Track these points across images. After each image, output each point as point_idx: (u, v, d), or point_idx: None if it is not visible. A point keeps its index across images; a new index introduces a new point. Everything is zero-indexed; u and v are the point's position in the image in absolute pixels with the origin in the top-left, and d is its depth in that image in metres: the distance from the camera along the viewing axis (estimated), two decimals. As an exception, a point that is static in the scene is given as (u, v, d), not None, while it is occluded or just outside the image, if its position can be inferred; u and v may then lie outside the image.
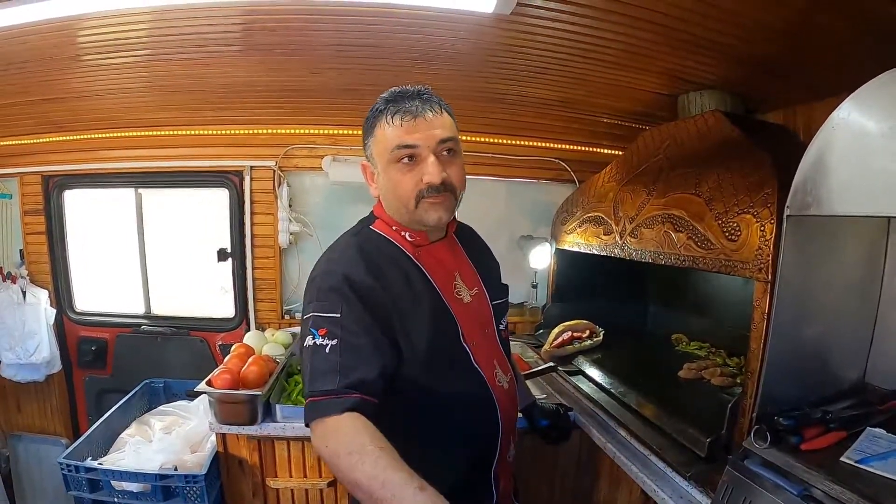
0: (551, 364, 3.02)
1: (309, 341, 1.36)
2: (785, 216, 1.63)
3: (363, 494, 1.18)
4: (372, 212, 1.68)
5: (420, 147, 1.48)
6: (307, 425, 1.31)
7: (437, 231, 1.65)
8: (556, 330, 3.15)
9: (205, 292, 4.06)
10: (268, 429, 2.55)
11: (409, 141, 1.48)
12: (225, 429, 2.57)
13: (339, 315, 1.37)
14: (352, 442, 1.23)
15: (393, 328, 1.45)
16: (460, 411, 1.56)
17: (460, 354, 1.58)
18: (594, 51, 2.26)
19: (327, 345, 1.34)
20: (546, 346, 3.12)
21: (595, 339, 3.10)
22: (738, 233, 1.82)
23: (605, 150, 3.78)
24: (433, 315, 1.53)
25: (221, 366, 2.74)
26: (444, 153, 1.52)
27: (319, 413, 1.28)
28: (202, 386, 2.56)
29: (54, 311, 3.86)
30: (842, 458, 1.47)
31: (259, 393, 2.51)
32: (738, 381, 2.37)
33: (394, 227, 1.61)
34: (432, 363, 1.50)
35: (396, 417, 1.41)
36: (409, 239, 1.60)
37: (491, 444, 1.64)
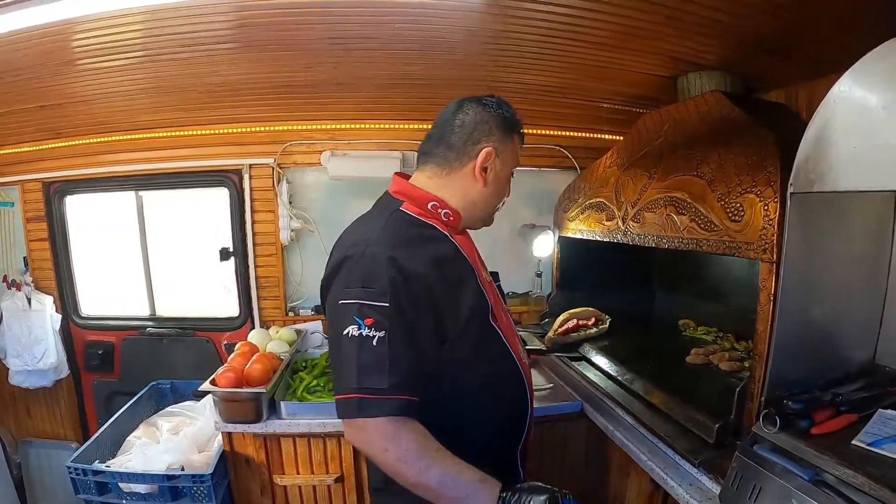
0: (543, 348, 3.02)
1: (353, 331, 1.32)
2: (788, 194, 1.60)
3: (432, 495, 1.33)
4: (390, 195, 1.65)
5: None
6: (344, 418, 1.33)
7: None
8: (561, 318, 3.12)
9: (209, 292, 4.06)
10: (273, 426, 2.56)
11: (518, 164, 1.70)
12: (231, 427, 2.58)
13: (387, 304, 1.33)
14: (419, 449, 1.32)
15: (439, 308, 1.43)
16: (496, 388, 1.57)
17: (492, 332, 1.59)
18: (590, 34, 2.22)
19: (374, 336, 1.31)
20: (550, 334, 3.10)
21: (601, 327, 3.08)
22: (742, 213, 1.79)
23: (606, 136, 3.74)
24: (473, 293, 1.53)
25: (225, 364, 2.75)
26: None
27: (367, 412, 1.30)
28: (206, 385, 2.57)
29: (60, 316, 3.85)
30: (853, 442, 1.44)
31: (263, 390, 2.51)
32: (747, 365, 2.35)
33: (430, 205, 1.59)
34: (472, 341, 1.51)
35: (434, 400, 1.43)
36: (444, 218, 1.60)
37: (521, 421, 1.67)
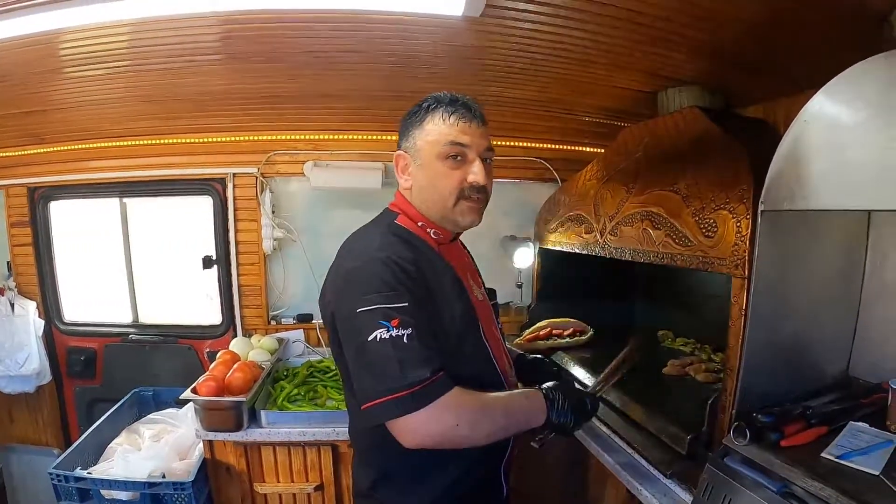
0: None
1: (383, 334, 1.35)
2: (759, 211, 1.62)
3: (503, 433, 1.53)
4: (388, 209, 1.73)
5: (470, 148, 1.59)
6: (395, 417, 1.35)
7: (454, 232, 1.72)
8: (537, 325, 3.17)
9: (191, 300, 4.05)
10: (254, 434, 2.59)
11: (462, 140, 1.57)
12: (211, 435, 2.61)
13: (406, 304, 1.39)
14: (477, 405, 1.45)
15: (435, 319, 1.50)
16: None
17: (481, 349, 1.65)
18: (569, 49, 2.24)
19: (404, 334, 1.36)
20: (518, 340, 3.17)
21: (577, 338, 3.09)
22: (715, 229, 1.82)
23: (588, 149, 3.78)
24: (462, 309, 1.59)
25: (207, 373, 2.76)
26: (486, 161, 1.64)
27: (423, 401, 1.34)
28: (188, 393, 2.60)
29: (43, 322, 3.84)
30: (822, 454, 1.47)
31: (244, 399, 2.54)
32: (722, 376, 2.37)
33: (419, 224, 1.65)
34: (460, 355, 1.55)
35: None
36: (433, 236, 1.66)
37: (505, 438, 1.67)
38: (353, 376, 1.44)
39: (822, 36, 1.95)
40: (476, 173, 1.58)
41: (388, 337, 1.35)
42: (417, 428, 1.36)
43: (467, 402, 1.43)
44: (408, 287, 1.43)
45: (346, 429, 2.54)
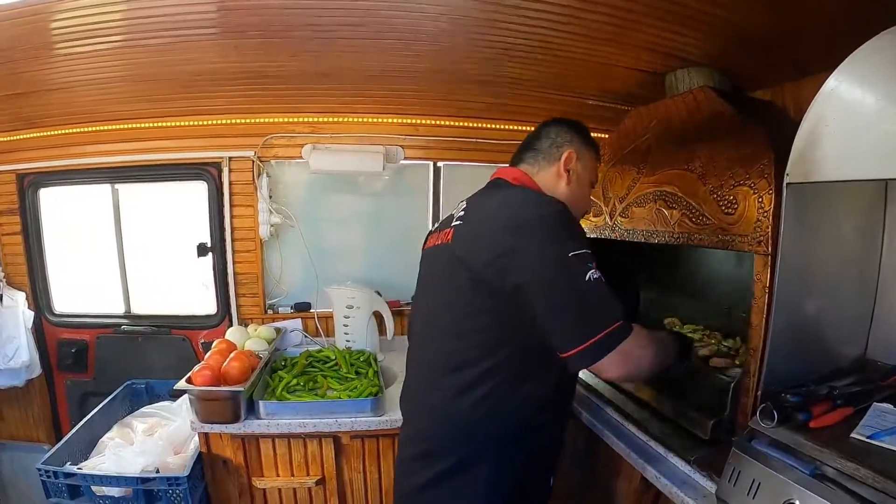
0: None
1: (594, 275, 1.47)
2: (785, 184, 1.58)
3: (666, 360, 1.73)
4: (512, 181, 1.86)
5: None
6: (611, 350, 1.45)
7: None
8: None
9: (186, 289, 3.98)
10: (252, 426, 2.51)
11: (597, 178, 2.05)
12: (207, 428, 2.54)
13: (590, 251, 1.52)
14: (649, 333, 1.65)
15: None
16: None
17: None
18: (578, 25, 2.18)
19: (600, 276, 1.48)
20: None
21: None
22: (735, 206, 1.78)
23: (593, 133, 3.66)
24: None
25: (202, 362, 2.69)
26: None
27: (631, 327, 1.50)
28: (182, 384, 2.52)
29: (32, 313, 3.76)
30: (852, 435, 1.42)
31: (241, 389, 2.47)
32: (737, 362, 2.33)
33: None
34: None
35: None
36: None
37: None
38: (558, 320, 1.48)
39: (838, 16, 1.89)
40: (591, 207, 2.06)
41: (597, 277, 1.47)
42: (630, 351, 1.49)
43: (645, 330, 1.62)
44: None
45: (349, 419, 2.52)
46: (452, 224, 1.74)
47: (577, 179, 1.88)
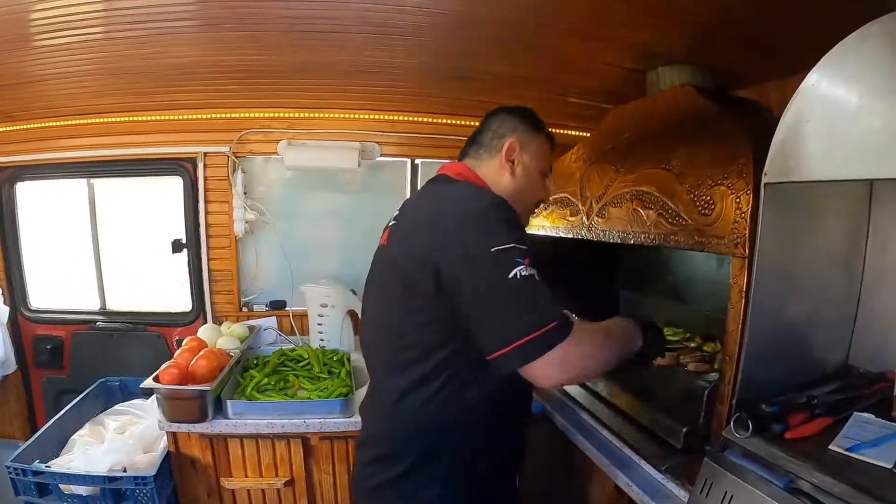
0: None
1: (523, 271, 1.37)
2: (762, 184, 1.53)
3: (620, 355, 1.61)
4: (454, 177, 1.79)
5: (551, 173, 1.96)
6: (546, 351, 1.34)
7: None
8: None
9: (161, 286, 3.95)
10: (219, 426, 2.48)
11: (550, 166, 1.94)
12: (175, 427, 2.50)
13: (527, 247, 1.43)
14: (593, 329, 1.55)
15: None
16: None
17: None
18: (558, 19, 2.14)
19: (535, 273, 1.39)
20: None
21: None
22: (712, 206, 1.72)
23: (573, 132, 3.70)
24: None
25: (170, 360, 2.65)
26: None
27: (569, 329, 1.37)
28: (149, 382, 2.49)
29: (8, 309, 3.71)
30: (830, 447, 1.38)
31: (208, 388, 2.43)
32: (715, 366, 2.29)
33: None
34: None
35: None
36: None
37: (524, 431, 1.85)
38: (482, 319, 1.41)
39: (824, 13, 1.84)
40: (549, 192, 1.95)
41: (527, 274, 1.37)
42: (567, 355, 1.36)
43: (593, 327, 1.55)
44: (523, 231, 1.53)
45: (317, 420, 2.47)
46: (389, 224, 1.71)
47: (524, 169, 1.82)
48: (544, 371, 1.35)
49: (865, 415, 1.53)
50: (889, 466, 1.28)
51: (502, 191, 1.73)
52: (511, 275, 1.35)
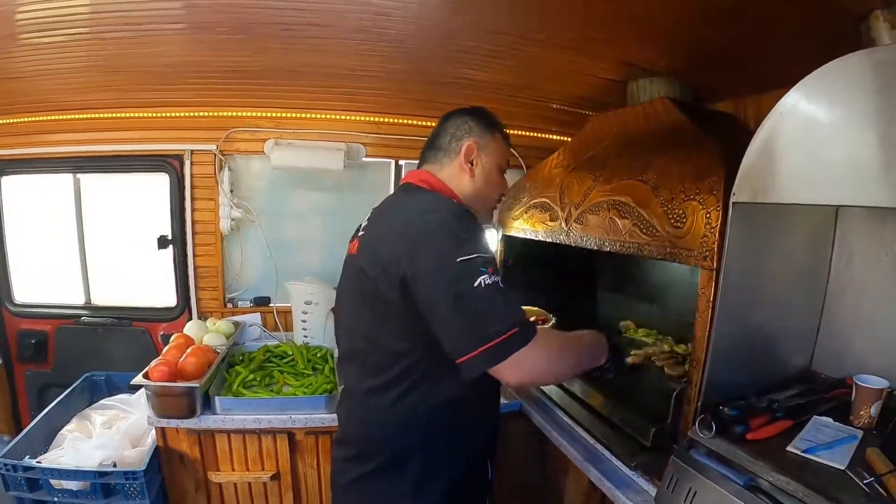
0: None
1: (486, 280, 1.42)
2: (731, 203, 1.62)
3: (588, 362, 1.77)
4: (418, 184, 1.84)
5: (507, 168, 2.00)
6: (508, 356, 1.41)
7: None
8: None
9: (146, 281, 3.93)
10: (207, 421, 2.52)
11: (508, 161, 1.99)
12: (164, 422, 2.53)
13: (490, 255, 1.51)
14: (557, 336, 1.69)
15: None
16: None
17: None
18: (543, 32, 2.21)
19: (498, 281, 1.45)
20: None
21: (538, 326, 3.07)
22: (684, 220, 1.80)
23: (555, 136, 3.77)
24: None
25: (159, 357, 2.68)
26: None
27: (530, 334, 1.44)
28: (139, 378, 2.51)
29: (-8, 303, 3.70)
30: (788, 448, 1.47)
31: (197, 385, 2.47)
32: (686, 368, 2.37)
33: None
34: None
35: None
36: None
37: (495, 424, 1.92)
38: (448, 326, 1.46)
39: (797, 35, 1.93)
40: (507, 187, 2.03)
41: (491, 283, 1.42)
42: (526, 360, 1.43)
43: (555, 335, 1.67)
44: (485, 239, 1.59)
45: (303, 416, 2.53)
46: (359, 234, 1.78)
47: (482, 169, 1.87)
48: (509, 373, 1.43)
49: (824, 418, 1.63)
50: (842, 468, 1.37)
51: (464, 192, 1.84)
52: (476, 283, 1.41)
